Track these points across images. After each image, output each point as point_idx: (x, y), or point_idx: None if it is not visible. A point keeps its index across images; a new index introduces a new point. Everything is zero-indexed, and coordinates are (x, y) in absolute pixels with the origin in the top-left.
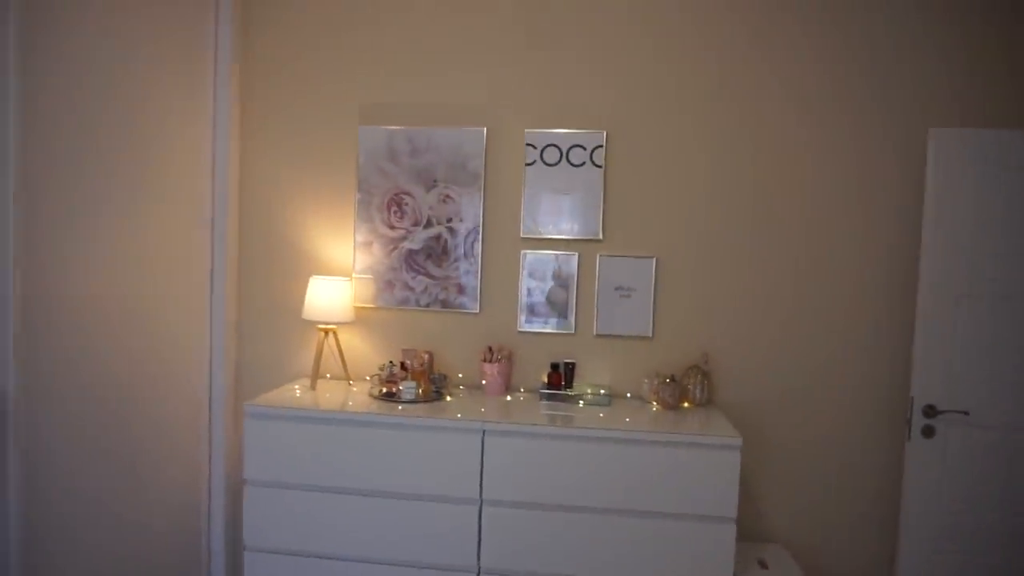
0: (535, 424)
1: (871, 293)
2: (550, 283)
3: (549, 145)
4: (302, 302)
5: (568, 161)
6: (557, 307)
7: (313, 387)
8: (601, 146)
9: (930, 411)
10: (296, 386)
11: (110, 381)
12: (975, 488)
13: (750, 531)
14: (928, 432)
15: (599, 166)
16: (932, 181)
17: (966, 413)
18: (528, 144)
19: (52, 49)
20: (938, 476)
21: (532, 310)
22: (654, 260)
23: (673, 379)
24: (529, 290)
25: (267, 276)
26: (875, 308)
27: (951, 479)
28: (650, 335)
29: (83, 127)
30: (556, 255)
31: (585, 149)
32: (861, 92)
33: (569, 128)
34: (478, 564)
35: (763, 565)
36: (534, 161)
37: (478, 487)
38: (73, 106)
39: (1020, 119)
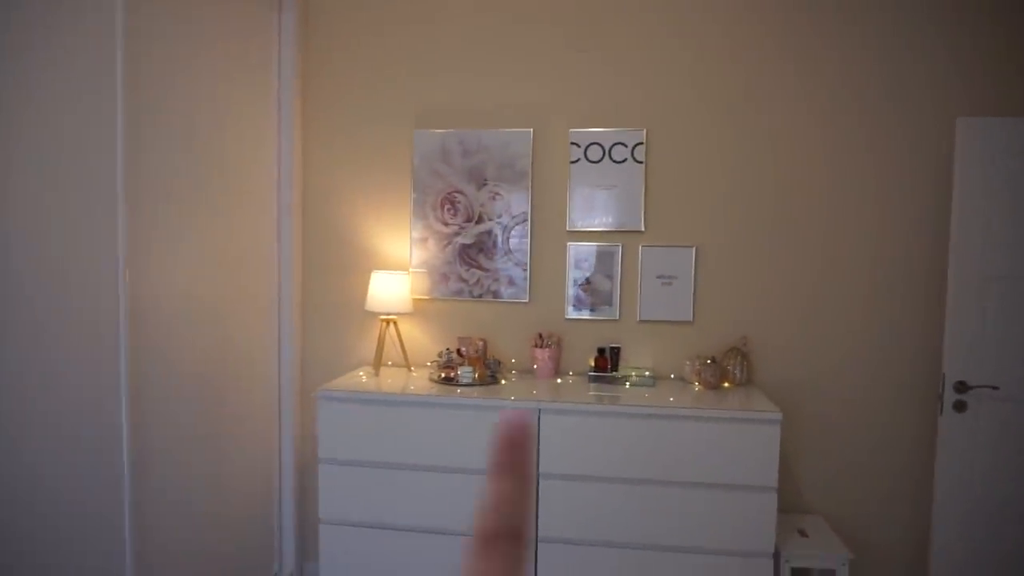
0: (588, 403)
1: (902, 275)
2: (595, 273)
3: (592, 143)
4: (362, 295)
5: (610, 158)
6: (602, 295)
7: (376, 373)
8: (641, 143)
9: (961, 387)
10: (361, 373)
11: (199, 367)
12: (1007, 460)
13: (790, 504)
14: (960, 407)
15: (640, 162)
16: (960, 168)
17: (996, 388)
18: (572, 143)
19: (151, 63)
20: (970, 449)
21: (578, 299)
22: (694, 249)
23: (714, 360)
24: (575, 280)
25: (329, 272)
26: (906, 290)
27: (983, 451)
28: (691, 320)
29: (175, 136)
30: (600, 247)
31: (626, 146)
32: (886, 84)
33: (611, 127)
34: (536, 533)
35: (803, 534)
36: (578, 159)
37: (535, 462)
38: (168, 115)
39: None
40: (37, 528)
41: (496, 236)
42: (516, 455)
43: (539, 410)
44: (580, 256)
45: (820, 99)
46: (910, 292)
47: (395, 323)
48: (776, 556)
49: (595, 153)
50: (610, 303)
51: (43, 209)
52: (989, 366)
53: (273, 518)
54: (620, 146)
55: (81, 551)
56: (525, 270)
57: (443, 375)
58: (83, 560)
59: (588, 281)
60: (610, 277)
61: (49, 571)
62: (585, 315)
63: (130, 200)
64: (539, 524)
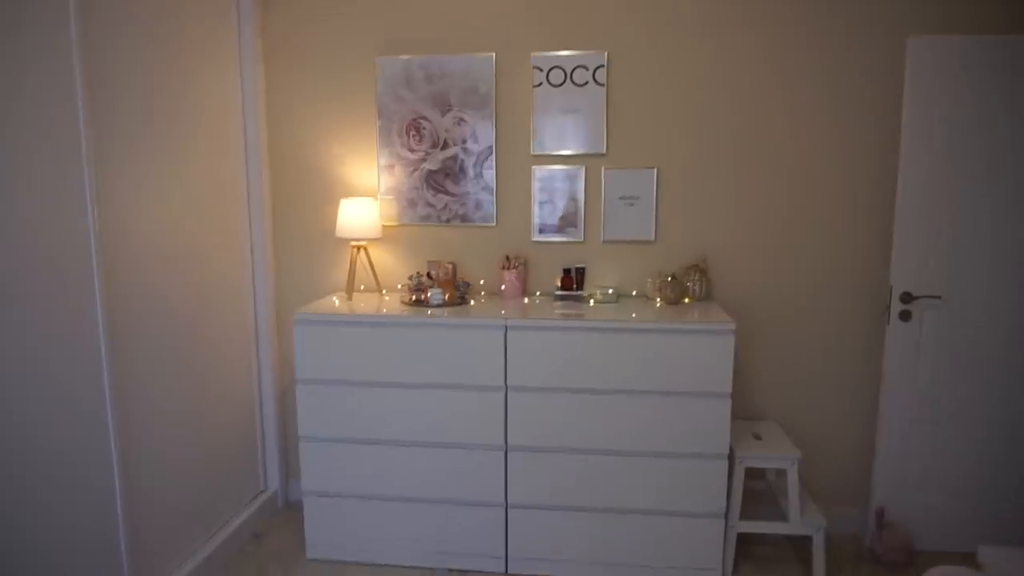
0: (551, 319)
1: (854, 190)
2: (559, 196)
3: (554, 67)
4: (333, 223)
5: (572, 81)
6: (566, 217)
7: (349, 297)
8: (603, 66)
9: (907, 297)
10: (334, 297)
11: (175, 302)
12: (946, 366)
13: (746, 410)
14: (905, 316)
15: (601, 85)
16: (910, 88)
17: (938, 297)
18: (535, 67)
19: (107, 2)
20: (914, 354)
21: (544, 221)
22: (655, 170)
23: (674, 277)
24: (540, 203)
25: (299, 201)
26: (859, 207)
27: (925, 358)
28: (653, 239)
29: (135, 74)
30: (564, 170)
31: (588, 69)
32: (840, 3)
33: (572, 50)
34: (505, 443)
35: (757, 437)
36: (540, 83)
37: (503, 376)
38: (126, 53)
39: (1002, 23)
40: (23, 465)
41: (462, 161)
42: None
43: (506, 326)
44: (544, 179)
45: (775, 19)
46: (861, 206)
47: (365, 249)
48: (731, 457)
49: (557, 77)
50: (575, 225)
51: (5, 156)
52: (933, 277)
53: (257, 439)
54: (582, 69)
55: (69, 486)
56: (492, 194)
57: (414, 298)
58: (73, 495)
59: (562, 218)
60: (574, 199)
61: (39, 506)
62: (551, 237)
63: (94, 142)
64: (508, 433)
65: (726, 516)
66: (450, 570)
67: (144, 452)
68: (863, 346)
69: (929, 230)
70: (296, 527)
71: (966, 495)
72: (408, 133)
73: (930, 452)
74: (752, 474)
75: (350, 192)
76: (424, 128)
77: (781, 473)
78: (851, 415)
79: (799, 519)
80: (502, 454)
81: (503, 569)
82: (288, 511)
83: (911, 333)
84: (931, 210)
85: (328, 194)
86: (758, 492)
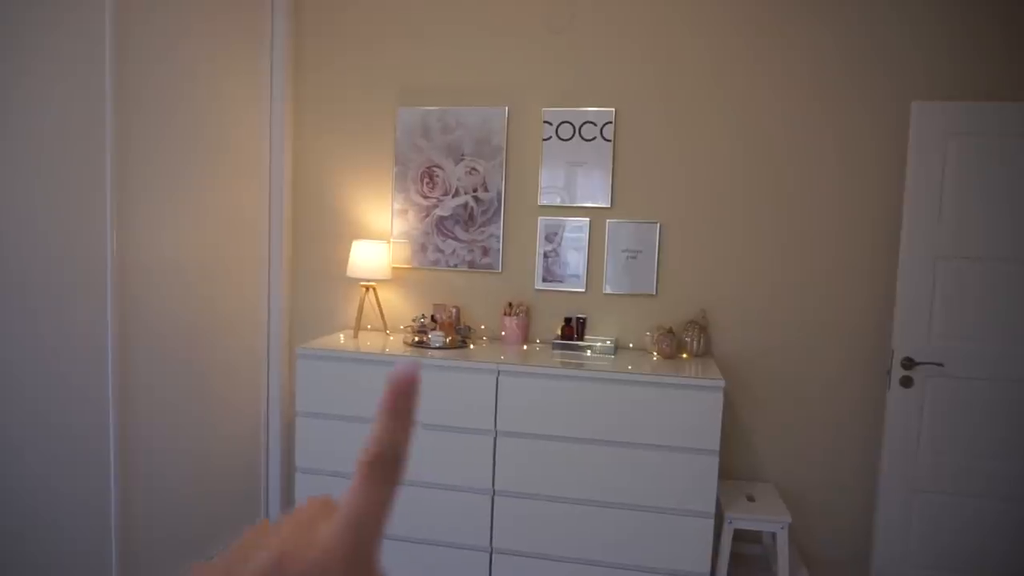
0: (542, 365)
1: (857, 255)
2: (563, 246)
3: (564, 122)
4: (347, 263)
5: (580, 136)
6: (570, 267)
7: (355, 335)
8: (610, 122)
9: (908, 363)
10: (341, 335)
11: (188, 327)
12: (949, 433)
13: (746, 471)
14: (906, 382)
15: (608, 140)
16: (914, 151)
17: (941, 365)
18: (545, 121)
19: (141, 36)
20: (915, 422)
21: (548, 270)
22: (658, 225)
23: (671, 331)
24: (545, 252)
25: (317, 240)
26: (860, 269)
27: (927, 426)
28: (654, 293)
29: (165, 107)
30: (569, 221)
31: (596, 125)
32: (847, 66)
33: (581, 106)
34: (492, 487)
35: (750, 499)
36: (550, 136)
37: (493, 420)
38: (157, 86)
39: (1008, 91)
40: (22, 479)
41: (472, 209)
42: (403, 400)
43: (498, 371)
44: (550, 230)
45: (783, 82)
46: (864, 270)
47: (374, 289)
48: (722, 518)
49: (566, 131)
50: (578, 275)
51: (30, 176)
52: (935, 344)
53: (260, 468)
54: (590, 124)
55: (69, 498)
56: (498, 242)
57: (416, 339)
58: (71, 509)
59: (565, 268)
60: (578, 250)
61: (37, 516)
62: (554, 286)
63: (119, 166)
64: (495, 478)
65: None
66: None
67: (143, 471)
68: (864, 411)
69: (932, 296)
70: None
71: (970, 571)
72: (422, 180)
73: (933, 524)
74: (749, 537)
75: (365, 233)
76: (438, 176)
77: (773, 536)
78: (852, 482)
79: None
80: (489, 498)
81: None
82: None
83: (913, 400)
84: (934, 276)
85: (344, 233)
86: (753, 556)
